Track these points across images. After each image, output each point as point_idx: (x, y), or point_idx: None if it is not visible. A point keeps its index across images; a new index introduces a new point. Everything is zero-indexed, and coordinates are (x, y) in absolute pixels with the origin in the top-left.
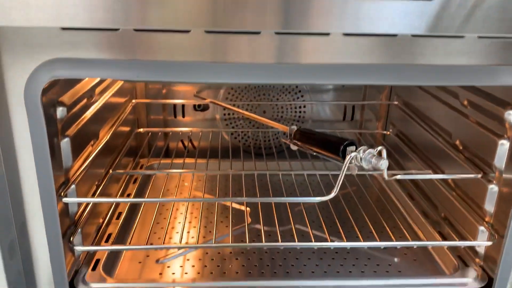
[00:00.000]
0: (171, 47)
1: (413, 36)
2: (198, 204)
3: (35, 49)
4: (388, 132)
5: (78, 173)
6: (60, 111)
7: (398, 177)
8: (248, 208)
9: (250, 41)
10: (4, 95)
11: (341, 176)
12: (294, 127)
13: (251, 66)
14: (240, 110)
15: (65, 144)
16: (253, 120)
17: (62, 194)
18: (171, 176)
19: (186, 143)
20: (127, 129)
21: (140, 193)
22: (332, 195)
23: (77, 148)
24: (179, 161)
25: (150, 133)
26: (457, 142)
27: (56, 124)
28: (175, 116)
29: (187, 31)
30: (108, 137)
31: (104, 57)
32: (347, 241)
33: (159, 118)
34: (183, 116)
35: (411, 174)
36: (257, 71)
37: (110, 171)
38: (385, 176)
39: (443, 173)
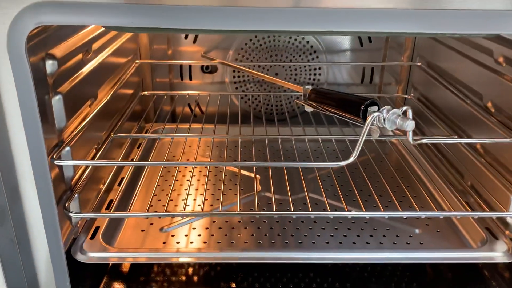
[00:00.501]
0: None
1: None
2: (205, 170)
3: None
4: (410, 96)
5: (73, 135)
6: (50, 65)
7: (425, 141)
8: (258, 176)
9: None
10: None
11: (362, 139)
12: (309, 87)
13: (264, 10)
14: (251, 71)
15: (57, 101)
16: (265, 83)
17: (55, 156)
18: (176, 142)
19: (193, 107)
20: (130, 91)
21: (144, 159)
22: (351, 159)
23: (72, 107)
24: (186, 126)
25: (155, 96)
26: (489, 104)
27: (46, 78)
28: (182, 79)
29: None
30: (108, 98)
31: (94, 0)
32: (365, 210)
33: (165, 81)
34: (190, 79)
35: (439, 138)
36: (271, 16)
37: (111, 134)
38: (410, 139)
39: (469, 138)
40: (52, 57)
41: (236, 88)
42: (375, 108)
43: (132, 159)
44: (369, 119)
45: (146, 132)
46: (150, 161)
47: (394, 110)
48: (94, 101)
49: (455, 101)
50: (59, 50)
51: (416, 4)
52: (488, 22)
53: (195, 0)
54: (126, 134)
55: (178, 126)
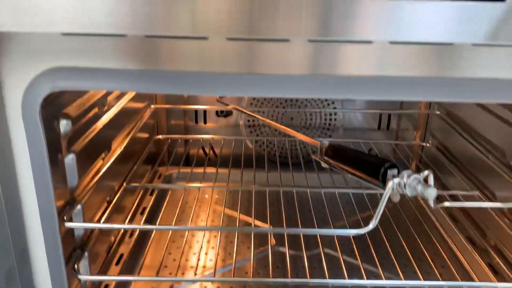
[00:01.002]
0: (187, 55)
1: (474, 45)
2: (218, 221)
3: (35, 56)
4: (428, 144)
5: (85, 192)
6: (64, 125)
7: (447, 204)
8: (272, 227)
9: (279, 50)
10: (2, 107)
11: (382, 205)
12: (326, 142)
13: (280, 78)
14: (266, 120)
15: (70, 160)
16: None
17: (65, 217)
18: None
19: (207, 151)
20: (145, 135)
21: (157, 207)
22: (371, 227)
23: (85, 163)
24: (200, 170)
25: (169, 140)
26: None
27: (59, 139)
28: (197, 122)
29: (205, 38)
30: (122, 148)
31: (110, 66)
32: (382, 270)
33: (180, 124)
34: (205, 122)
35: (462, 202)
36: (287, 84)
37: (124, 184)
38: (432, 205)
39: (492, 194)
40: (67, 116)
41: (251, 131)
42: (395, 171)
43: (145, 208)
44: (389, 184)
45: (159, 177)
46: (158, 225)
47: (415, 175)
48: (108, 153)
49: (475, 154)
50: (74, 109)
51: (442, 71)
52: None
53: (210, 65)
54: (139, 183)
55: (193, 170)
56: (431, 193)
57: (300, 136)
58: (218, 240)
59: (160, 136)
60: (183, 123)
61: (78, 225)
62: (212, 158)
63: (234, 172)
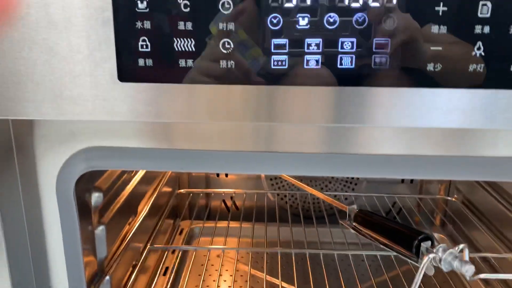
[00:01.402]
0: (213, 136)
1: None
2: (242, 281)
3: (70, 137)
4: (454, 198)
5: (113, 261)
6: (96, 198)
7: (482, 276)
8: None
9: (297, 131)
10: (36, 185)
11: (418, 280)
12: (354, 207)
13: (297, 156)
14: (292, 179)
15: (100, 232)
16: (302, 181)
17: None
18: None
19: (229, 204)
20: (168, 190)
21: (180, 267)
22: None
23: (114, 233)
24: (223, 224)
25: (191, 194)
26: None
27: (90, 212)
28: (218, 175)
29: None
30: (147, 209)
31: (144, 146)
32: None
33: (201, 176)
34: (226, 175)
35: (497, 274)
36: (302, 163)
37: (148, 245)
38: (468, 278)
39: None
40: (98, 189)
41: (272, 184)
42: (429, 243)
43: (168, 268)
44: (424, 260)
45: (181, 232)
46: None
47: (450, 250)
48: (134, 217)
49: (503, 212)
50: (105, 180)
51: (457, 151)
52: None
53: (229, 145)
54: (162, 241)
55: (217, 225)
56: (469, 270)
57: (328, 200)
58: None
59: (182, 190)
60: (204, 176)
61: None
62: (234, 211)
63: (258, 227)
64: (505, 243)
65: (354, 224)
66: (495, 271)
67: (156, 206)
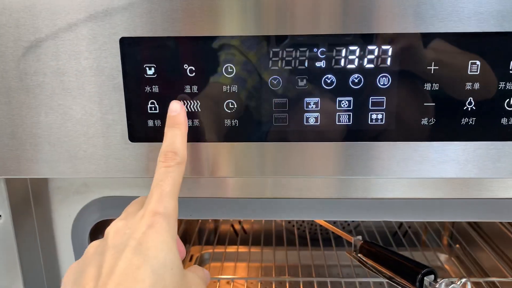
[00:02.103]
0: (226, 185)
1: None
2: None
3: (83, 187)
4: None
5: None
6: None
7: None
8: None
9: (305, 180)
10: (52, 234)
11: None
12: (359, 238)
13: (305, 202)
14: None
15: None
16: None
17: None
18: (224, 267)
19: (237, 228)
20: None
21: None
22: None
23: None
24: (232, 249)
25: (200, 220)
26: None
27: None
28: None
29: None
30: None
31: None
32: None
33: None
34: None
35: None
36: (313, 208)
37: None
38: None
39: None
40: None
41: None
42: (432, 277)
43: None
44: None
45: (191, 258)
46: None
47: (453, 285)
48: None
49: (507, 237)
50: None
51: (456, 194)
52: None
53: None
54: None
55: (226, 249)
56: None
57: (334, 230)
58: None
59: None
60: None
61: None
62: (242, 236)
63: (267, 251)
64: (508, 265)
65: (359, 255)
66: None
67: None
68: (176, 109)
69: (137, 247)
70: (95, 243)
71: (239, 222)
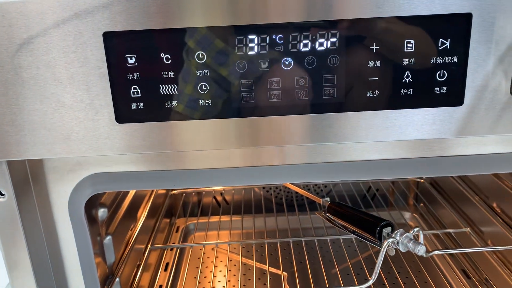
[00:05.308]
0: (205, 158)
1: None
2: (236, 270)
3: (76, 166)
4: (422, 180)
5: (120, 265)
6: (102, 213)
7: (436, 252)
8: (285, 273)
9: (281, 150)
10: (50, 209)
11: (379, 262)
12: (327, 199)
13: (280, 168)
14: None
15: (107, 241)
16: None
17: None
18: (208, 236)
19: (219, 200)
20: (162, 192)
21: (179, 262)
22: (371, 282)
23: (119, 240)
24: (215, 219)
25: (184, 194)
26: (494, 205)
27: (98, 226)
28: None
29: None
30: (145, 215)
31: (142, 169)
32: None
33: None
34: None
35: (451, 249)
36: (287, 173)
37: (149, 245)
38: (423, 255)
39: (480, 231)
40: (103, 205)
41: None
42: (389, 229)
43: (168, 263)
44: (384, 244)
45: (177, 230)
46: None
47: (406, 234)
48: (135, 223)
49: (464, 194)
50: (108, 197)
51: (418, 154)
52: (484, 164)
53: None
54: (161, 241)
55: (209, 220)
56: (420, 249)
57: (304, 193)
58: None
59: (175, 191)
60: None
61: None
62: (224, 206)
63: (247, 219)
64: (464, 219)
65: (327, 215)
66: (458, 244)
67: (153, 208)
68: None
69: None
70: None
71: (221, 193)
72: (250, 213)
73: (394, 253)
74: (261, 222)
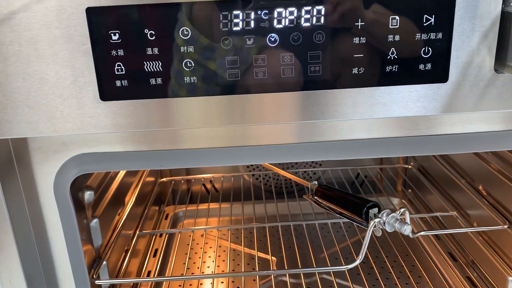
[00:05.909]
0: (192, 138)
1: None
2: (225, 255)
3: (61, 146)
4: (410, 166)
5: (108, 248)
6: (88, 195)
7: (422, 233)
8: (274, 258)
9: (268, 129)
10: (36, 190)
11: (366, 242)
12: (315, 183)
13: (269, 148)
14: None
15: (94, 224)
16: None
17: (94, 276)
18: (197, 223)
19: (208, 187)
20: (151, 179)
21: (168, 248)
22: (358, 262)
23: (106, 223)
24: (204, 206)
25: (173, 181)
26: (480, 187)
27: (84, 208)
28: None
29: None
30: (133, 200)
31: (128, 149)
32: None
33: None
34: None
35: (437, 231)
36: (275, 152)
37: (137, 231)
38: (410, 235)
39: (466, 214)
40: (90, 188)
41: (247, 166)
42: (376, 210)
43: (157, 250)
44: (370, 224)
45: (167, 217)
46: (171, 276)
47: (392, 214)
48: (123, 208)
49: (450, 177)
50: (95, 179)
51: (404, 132)
52: (469, 143)
53: (211, 143)
54: (150, 227)
55: (198, 207)
56: (407, 229)
57: (292, 177)
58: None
59: (164, 179)
60: None
61: (107, 281)
62: (213, 193)
63: (236, 206)
64: (451, 203)
65: (315, 198)
66: (444, 227)
67: (141, 195)
68: None
69: None
70: None
71: (210, 181)
72: (239, 200)
73: (380, 233)
74: (250, 209)
